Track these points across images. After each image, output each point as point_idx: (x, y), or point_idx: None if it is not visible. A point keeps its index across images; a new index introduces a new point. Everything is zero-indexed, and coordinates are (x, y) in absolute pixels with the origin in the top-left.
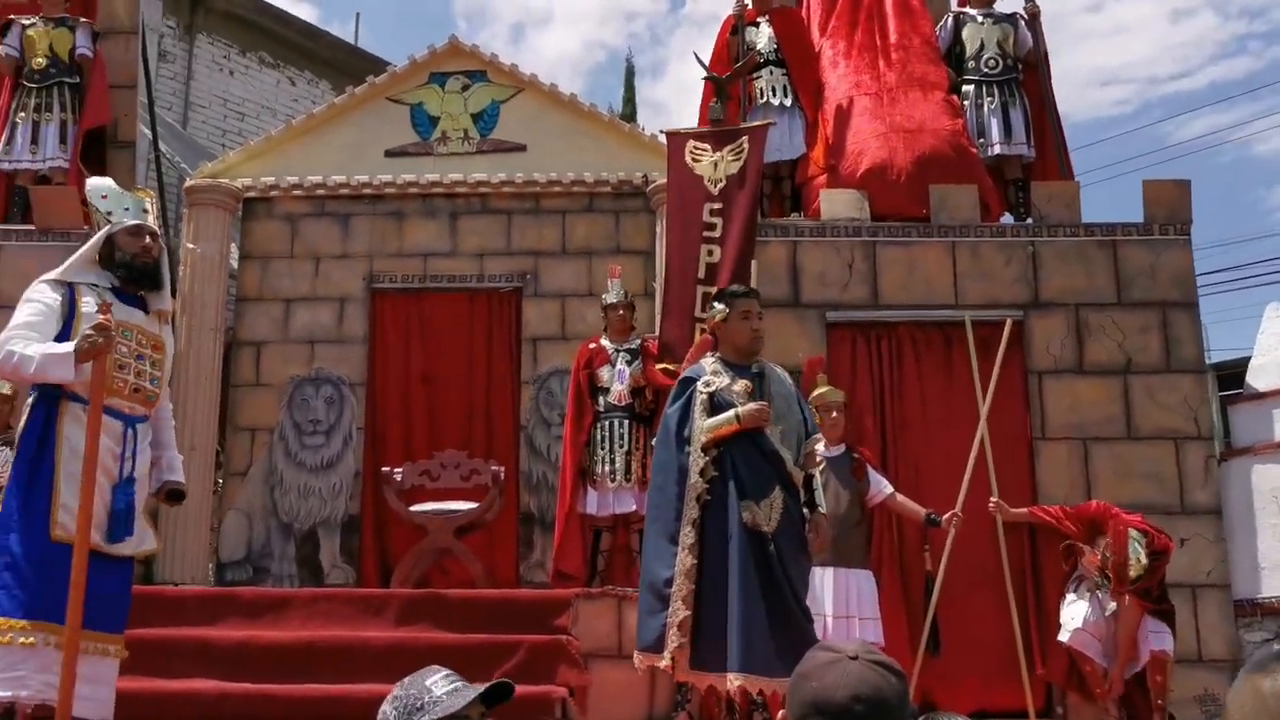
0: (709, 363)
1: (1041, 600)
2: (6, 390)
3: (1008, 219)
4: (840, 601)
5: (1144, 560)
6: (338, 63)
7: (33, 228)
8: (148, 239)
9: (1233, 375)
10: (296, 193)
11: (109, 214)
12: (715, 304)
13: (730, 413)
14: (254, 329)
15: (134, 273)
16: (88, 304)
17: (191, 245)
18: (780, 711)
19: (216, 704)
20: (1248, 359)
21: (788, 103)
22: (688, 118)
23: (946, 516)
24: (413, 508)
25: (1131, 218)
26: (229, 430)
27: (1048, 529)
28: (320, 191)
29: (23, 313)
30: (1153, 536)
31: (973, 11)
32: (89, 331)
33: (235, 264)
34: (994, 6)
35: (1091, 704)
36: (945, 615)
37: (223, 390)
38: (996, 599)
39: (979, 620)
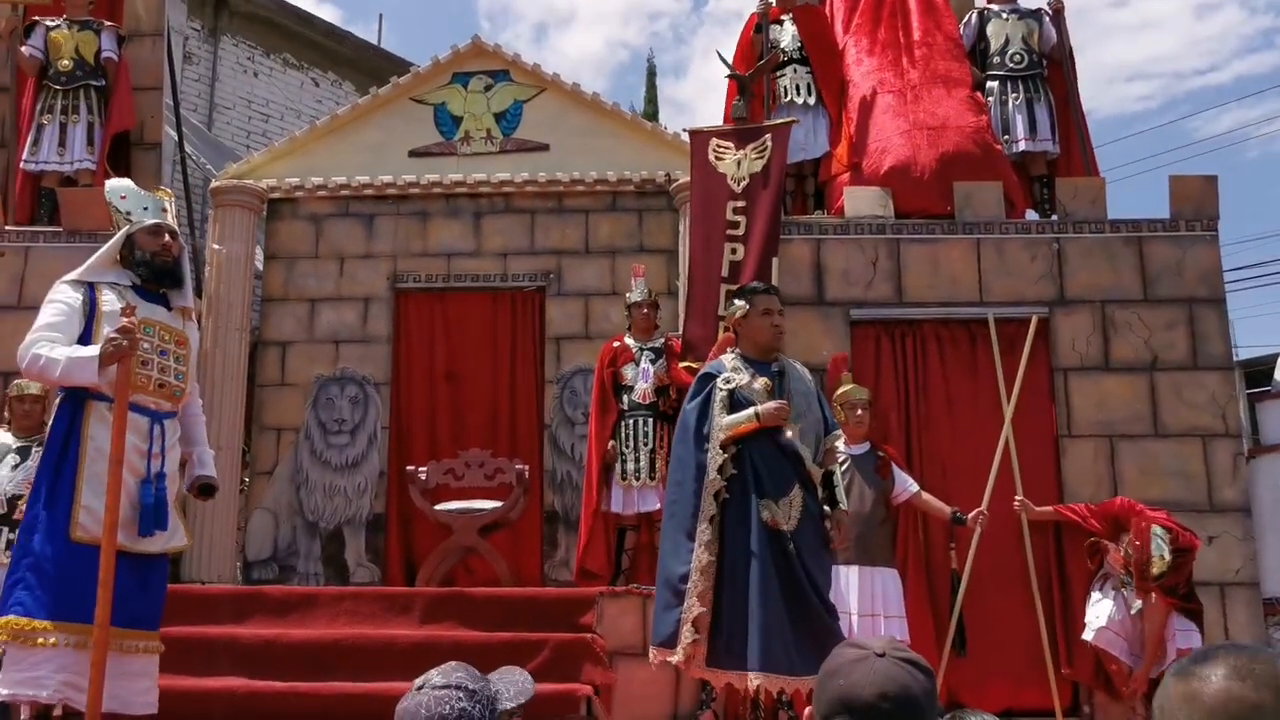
0: (729, 359)
1: (1068, 598)
2: (36, 390)
3: (1032, 215)
4: (866, 600)
5: (1167, 557)
6: (361, 63)
7: (60, 229)
8: (167, 237)
9: (1261, 372)
10: (321, 193)
11: (128, 214)
12: (736, 300)
13: (750, 410)
14: (279, 329)
15: (154, 271)
16: (108, 303)
17: (217, 246)
18: (807, 709)
19: (245, 701)
20: (1275, 356)
21: (811, 101)
22: (710, 116)
23: (972, 515)
24: (437, 506)
25: (1158, 214)
26: (255, 430)
27: (1073, 527)
28: (344, 192)
29: (46, 314)
30: (1177, 534)
31: (997, 7)
32: (113, 334)
33: (260, 264)
34: (1018, 2)
35: (1118, 703)
36: (971, 614)
37: (248, 390)
38: (1023, 598)
39: (1005, 619)
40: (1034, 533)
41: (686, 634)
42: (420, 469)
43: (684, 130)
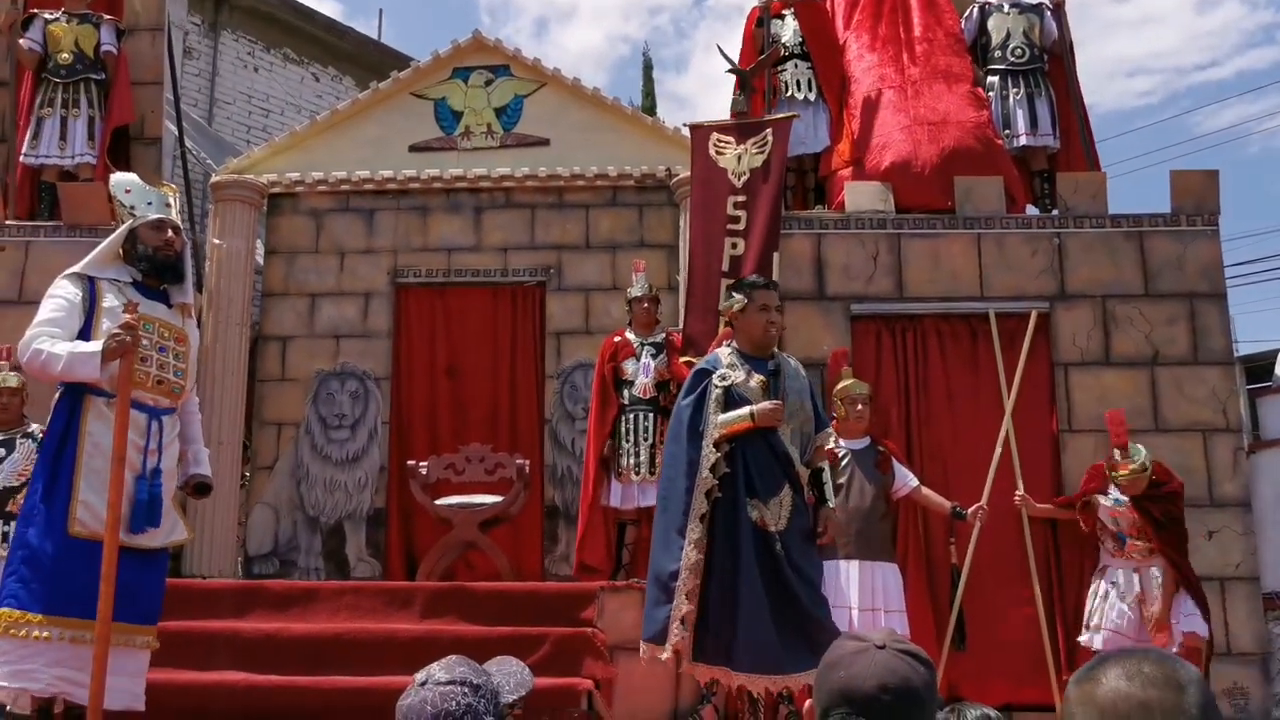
0: (725, 354)
1: (1066, 593)
2: (14, 383)
3: (1033, 210)
4: (866, 594)
5: (1148, 465)
6: (361, 58)
7: (60, 223)
8: (170, 233)
9: (1261, 367)
10: (321, 188)
11: (132, 208)
12: (733, 294)
13: (745, 410)
14: (280, 324)
15: (156, 266)
16: (109, 298)
17: (217, 241)
18: (807, 702)
19: (246, 695)
20: (1276, 351)
21: (812, 96)
22: (711, 110)
23: (972, 510)
24: (438, 501)
25: (1159, 209)
26: (255, 425)
27: (1070, 517)
28: (345, 187)
29: (46, 309)
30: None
31: (997, 1)
32: (116, 331)
33: (261, 259)
34: None
35: None
36: (971, 609)
37: (249, 385)
38: (1023, 592)
39: (1005, 614)
40: (1034, 527)
41: (676, 632)
42: (421, 464)
43: (684, 125)
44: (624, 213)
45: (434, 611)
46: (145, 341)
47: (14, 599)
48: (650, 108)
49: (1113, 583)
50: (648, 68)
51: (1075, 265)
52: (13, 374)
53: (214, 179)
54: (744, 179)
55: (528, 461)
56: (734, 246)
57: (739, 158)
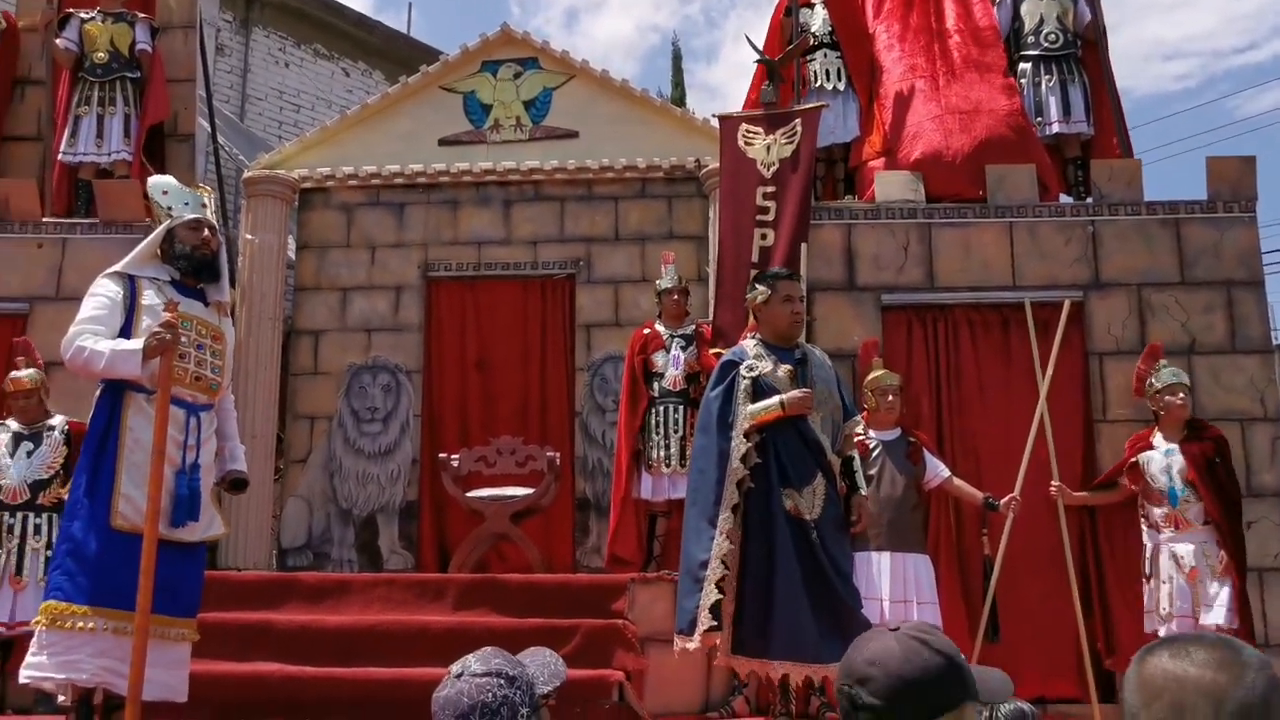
0: (750, 346)
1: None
2: (29, 384)
3: (1067, 199)
4: (898, 586)
5: (1187, 383)
6: (391, 53)
7: (96, 221)
8: (206, 232)
9: None
10: (352, 183)
11: (169, 209)
12: (757, 285)
13: (775, 399)
14: (312, 318)
15: (193, 265)
16: (148, 296)
17: (250, 236)
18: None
19: (281, 685)
20: None
21: (841, 86)
22: (740, 100)
23: (1005, 501)
24: (469, 493)
25: (1195, 195)
26: (288, 418)
27: (1108, 502)
28: (375, 181)
29: (88, 307)
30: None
31: None
32: (157, 329)
33: (293, 254)
34: None
35: None
36: (1004, 601)
37: (282, 379)
38: (1057, 584)
39: (1039, 606)
40: (1069, 518)
41: (704, 620)
42: (453, 456)
43: (713, 116)
44: (653, 204)
45: (466, 603)
46: (184, 339)
47: (60, 591)
48: (680, 98)
49: (1173, 563)
50: (677, 58)
51: (1110, 253)
52: (29, 371)
53: (246, 175)
54: (773, 169)
55: (558, 454)
56: (763, 237)
57: (768, 148)
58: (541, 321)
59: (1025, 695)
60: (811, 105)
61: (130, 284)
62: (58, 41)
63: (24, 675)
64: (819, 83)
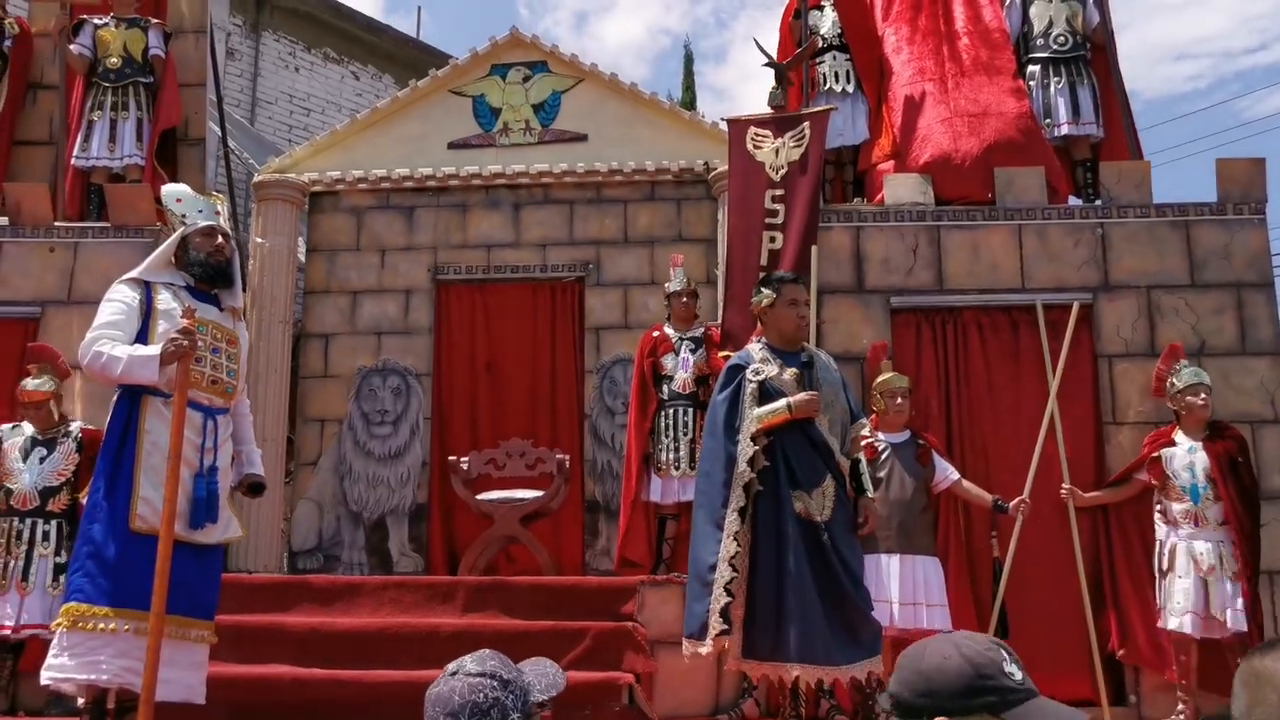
0: (756, 349)
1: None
2: (39, 393)
3: (1076, 201)
4: (907, 588)
5: (1208, 382)
6: (400, 56)
7: (108, 225)
8: (220, 239)
9: None
10: (362, 186)
11: (183, 216)
12: (762, 289)
13: (782, 402)
14: (322, 321)
15: (207, 271)
16: (164, 301)
17: (260, 239)
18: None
19: (292, 687)
20: None
21: (850, 88)
22: (751, 102)
23: (1014, 503)
24: (479, 496)
25: (1204, 197)
26: (299, 421)
27: (1120, 499)
28: (385, 184)
29: (105, 312)
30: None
31: None
32: (175, 334)
33: (303, 257)
34: None
35: (1167, 693)
36: (1013, 603)
37: (292, 382)
38: (1067, 586)
39: (1049, 608)
40: (1081, 517)
41: (715, 624)
42: (462, 459)
43: (722, 119)
44: (662, 207)
45: (476, 606)
46: (200, 343)
47: (80, 593)
48: (690, 102)
49: (1190, 560)
50: (688, 62)
51: (1119, 255)
52: (40, 380)
53: (256, 178)
54: (782, 173)
55: (568, 456)
56: (772, 240)
57: (776, 151)
58: (551, 324)
59: None
60: (820, 108)
61: (146, 290)
62: (71, 47)
63: (45, 676)
64: (828, 85)
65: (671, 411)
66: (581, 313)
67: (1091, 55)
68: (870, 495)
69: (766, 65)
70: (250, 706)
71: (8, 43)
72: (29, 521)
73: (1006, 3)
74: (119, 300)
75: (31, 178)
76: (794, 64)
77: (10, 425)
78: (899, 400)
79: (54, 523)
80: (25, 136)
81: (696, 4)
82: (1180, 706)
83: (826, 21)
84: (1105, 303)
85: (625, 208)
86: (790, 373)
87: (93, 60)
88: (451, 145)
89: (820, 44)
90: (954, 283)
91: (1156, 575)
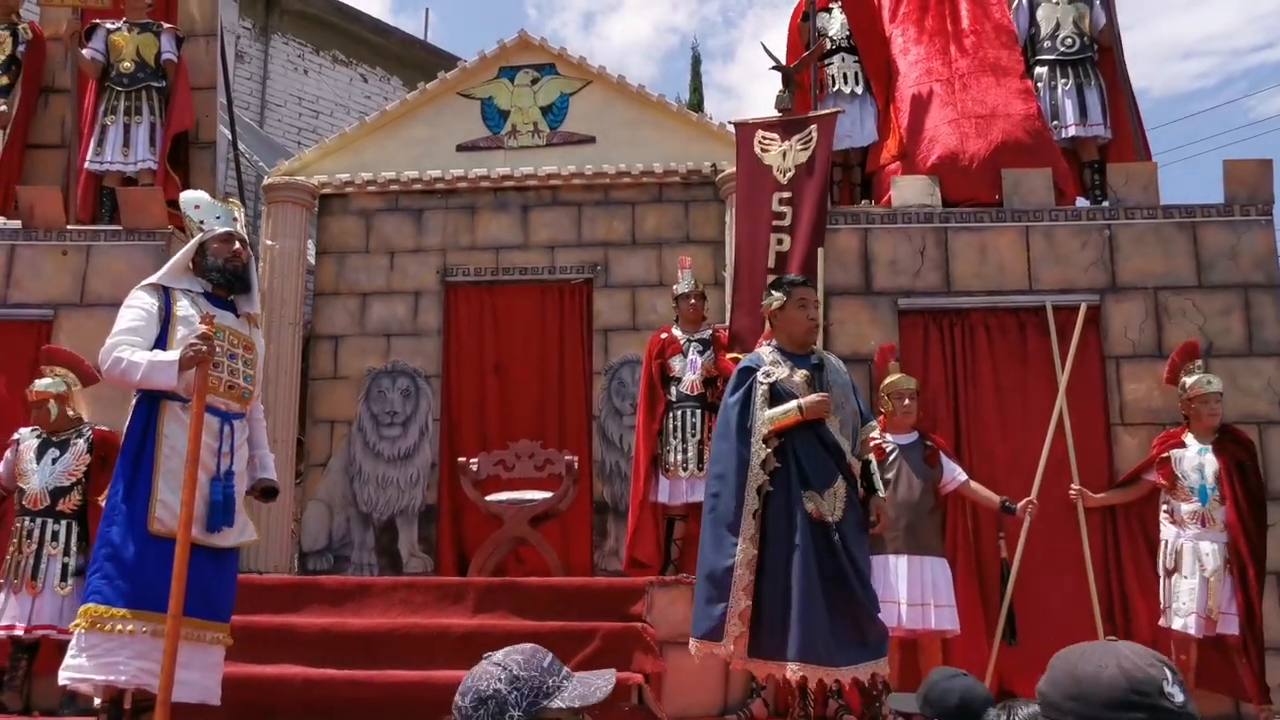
0: (766, 352)
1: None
2: (51, 393)
3: (1084, 202)
4: (915, 589)
5: (1217, 387)
6: (409, 58)
7: (120, 228)
8: (237, 245)
9: None
10: (371, 188)
11: (201, 223)
12: (772, 292)
13: (793, 404)
14: (331, 323)
15: (225, 277)
16: (183, 307)
17: (270, 242)
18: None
19: (303, 688)
20: None
21: (859, 90)
22: (759, 101)
23: (1021, 504)
24: (488, 497)
25: (1212, 196)
26: (308, 422)
27: (1128, 500)
28: (394, 187)
29: (124, 319)
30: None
31: None
32: (194, 340)
33: (312, 259)
34: None
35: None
36: (1022, 603)
37: (302, 383)
38: (1075, 586)
39: (1057, 608)
40: (1090, 518)
41: (734, 628)
42: (471, 460)
43: (729, 121)
44: (670, 209)
45: (486, 606)
46: (217, 349)
47: (99, 595)
48: (698, 104)
49: (1196, 561)
50: (696, 63)
51: (1126, 257)
52: (53, 380)
53: (266, 181)
54: (789, 175)
55: (576, 457)
56: (780, 243)
57: (784, 154)
58: (559, 326)
59: None
60: (827, 111)
61: (165, 296)
62: (84, 52)
63: (64, 677)
64: (837, 87)
65: (679, 413)
66: (590, 314)
67: (1099, 57)
68: (881, 495)
69: (774, 69)
70: (262, 707)
71: (21, 47)
72: (39, 521)
73: (1014, 4)
74: (138, 307)
75: (44, 181)
76: (801, 67)
77: (31, 429)
78: (906, 402)
79: (64, 523)
80: (38, 140)
81: (704, 3)
82: None
83: (835, 23)
84: (1112, 304)
85: (633, 209)
86: (801, 375)
87: (105, 64)
88: (460, 148)
89: (829, 46)
90: (961, 284)
91: (1161, 575)
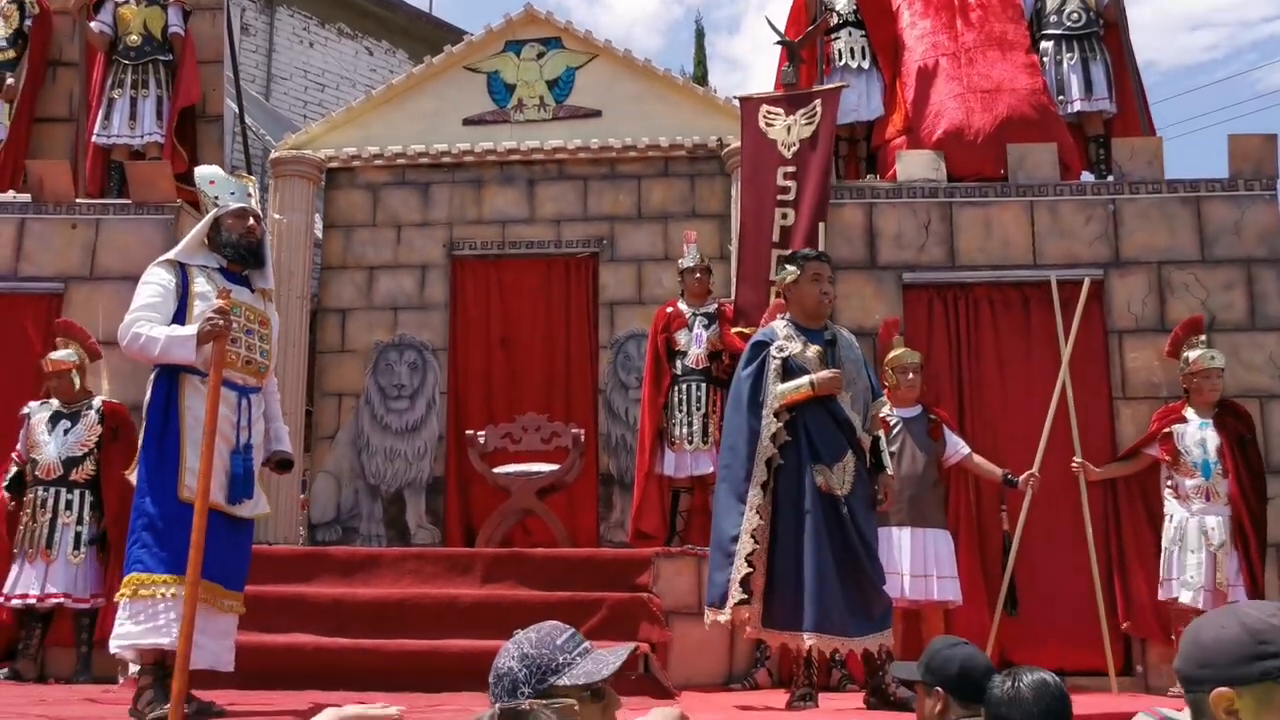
0: (780, 326)
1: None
2: (65, 364)
3: (1089, 177)
4: (918, 560)
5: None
6: (414, 31)
7: (129, 202)
8: (251, 220)
9: None
10: (377, 162)
11: (216, 199)
12: (786, 266)
13: (805, 379)
14: (339, 296)
15: (240, 252)
16: (200, 284)
17: (278, 216)
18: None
19: (314, 656)
20: None
21: (865, 64)
22: (764, 73)
23: (1023, 477)
24: (495, 469)
25: (1218, 169)
26: (316, 395)
27: (1129, 473)
28: (400, 161)
29: (143, 295)
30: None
31: None
32: (211, 315)
33: (319, 233)
34: None
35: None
36: (1023, 575)
37: (310, 357)
38: (1075, 558)
39: (1058, 580)
40: (1091, 491)
41: (735, 594)
42: (479, 433)
43: (734, 97)
44: (676, 183)
45: (494, 577)
46: (234, 325)
47: (140, 564)
48: (702, 77)
49: (1201, 535)
50: (700, 36)
51: (1130, 231)
52: (65, 351)
53: (273, 155)
54: (794, 150)
55: (583, 430)
56: (784, 217)
57: (788, 129)
58: (565, 299)
59: (1044, 666)
60: (831, 86)
61: (182, 272)
62: (92, 25)
63: (114, 645)
64: (843, 61)
65: (685, 386)
66: (596, 288)
67: (1104, 31)
68: (889, 472)
69: (779, 44)
70: (273, 674)
71: (28, 21)
72: (53, 490)
73: None
74: (155, 283)
75: (52, 154)
76: (805, 42)
77: (40, 402)
78: (910, 375)
79: (77, 492)
80: (45, 114)
81: None
82: None
83: None
84: (1116, 278)
85: (639, 183)
86: (813, 350)
87: (113, 38)
88: (466, 121)
89: (835, 20)
90: (966, 259)
91: (1163, 548)
